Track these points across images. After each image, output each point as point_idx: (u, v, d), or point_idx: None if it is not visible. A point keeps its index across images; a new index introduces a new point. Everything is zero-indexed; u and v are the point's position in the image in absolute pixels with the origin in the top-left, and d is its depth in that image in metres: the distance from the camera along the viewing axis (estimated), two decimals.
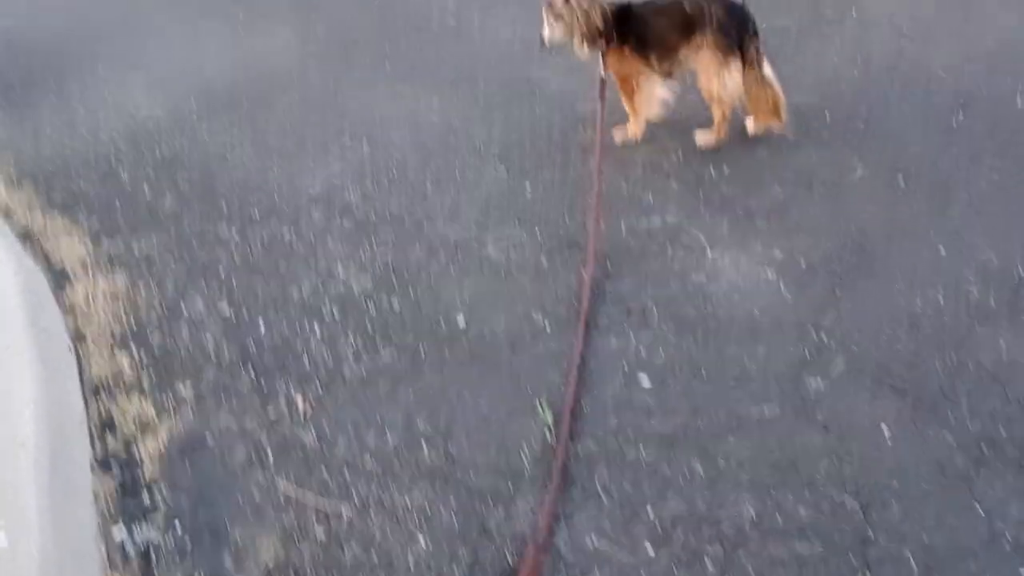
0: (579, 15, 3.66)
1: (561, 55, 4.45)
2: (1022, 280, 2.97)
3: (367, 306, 3.14)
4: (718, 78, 3.58)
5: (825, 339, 2.85)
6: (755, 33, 3.56)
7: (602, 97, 3.78)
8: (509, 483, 2.46)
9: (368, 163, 3.96)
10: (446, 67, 4.70)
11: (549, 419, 2.64)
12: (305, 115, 4.40)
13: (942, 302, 2.93)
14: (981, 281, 2.99)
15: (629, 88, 3.84)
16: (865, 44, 4.39)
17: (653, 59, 3.70)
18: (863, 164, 3.60)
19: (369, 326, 3.05)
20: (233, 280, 3.32)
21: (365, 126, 4.24)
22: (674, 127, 3.93)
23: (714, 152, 3.76)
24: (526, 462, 2.52)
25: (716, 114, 3.75)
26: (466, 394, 2.76)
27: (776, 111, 3.71)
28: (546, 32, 3.78)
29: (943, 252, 3.13)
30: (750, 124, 3.83)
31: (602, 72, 3.77)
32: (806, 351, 2.81)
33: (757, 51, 3.58)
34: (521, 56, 4.68)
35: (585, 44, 3.73)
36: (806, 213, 3.38)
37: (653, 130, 3.91)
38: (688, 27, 3.57)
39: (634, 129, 3.91)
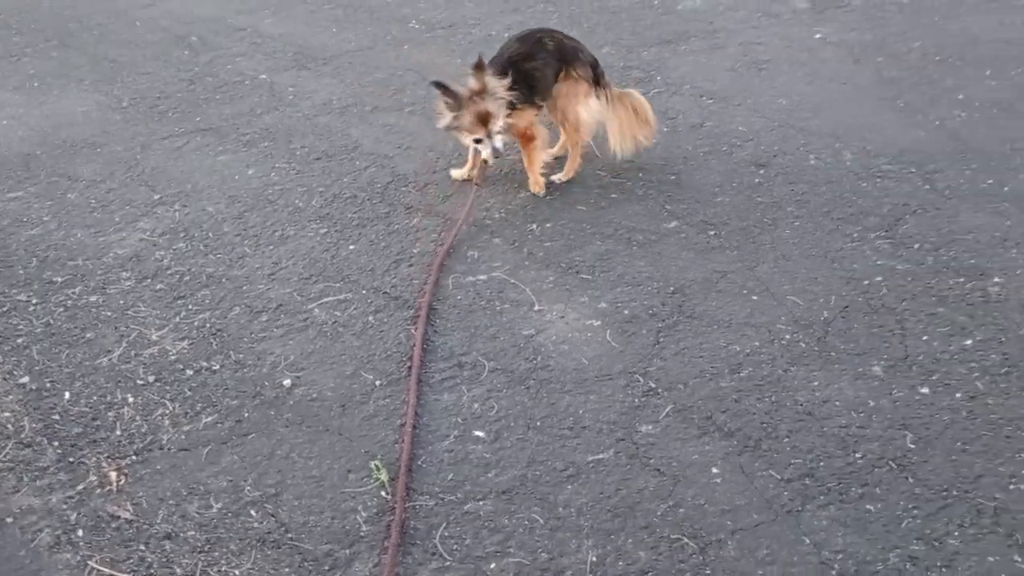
0: (476, 103, 3.60)
1: (380, 114, 4.44)
2: (828, 322, 3.15)
3: (184, 371, 2.96)
4: (585, 107, 3.78)
5: (653, 385, 2.91)
6: (595, 60, 3.84)
7: (481, 172, 3.89)
8: (345, 546, 2.34)
9: (181, 224, 3.78)
10: (260, 128, 4.58)
11: (384, 478, 2.55)
12: (111, 179, 4.17)
13: (759, 346, 3.06)
14: (792, 325, 3.15)
15: (529, 141, 3.89)
16: (672, 106, 4.62)
17: (539, 103, 3.81)
18: (676, 218, 3.75)
19: (187, 391, 2.87)
20: (33, 349, 3.06)
21: (176, 188, 4.06)
22: (495, 186, 3.97)
23: (534, 209, 3.82)
24: (362, 523, 2.42)
25: (575, 142, 3.92)
26: (295, 456, 2.63)
27: (645, 119, 3.94)
28: (441, 122, 3.72)
29: (755, 299, 3.28)
30: (559, 176, 3.98)
31: (498, 145, 3.69)
32: (635, 398, 2.86)
33: (603, 74, 3.85)
34: (338, 116, 4.64)
35: (480, 126, 3.64)
36: (627, 265, 3.47)
37: (475, 190, 3.94)
38: (559, 63, 3.74)
39: (538, 181, 3.94)
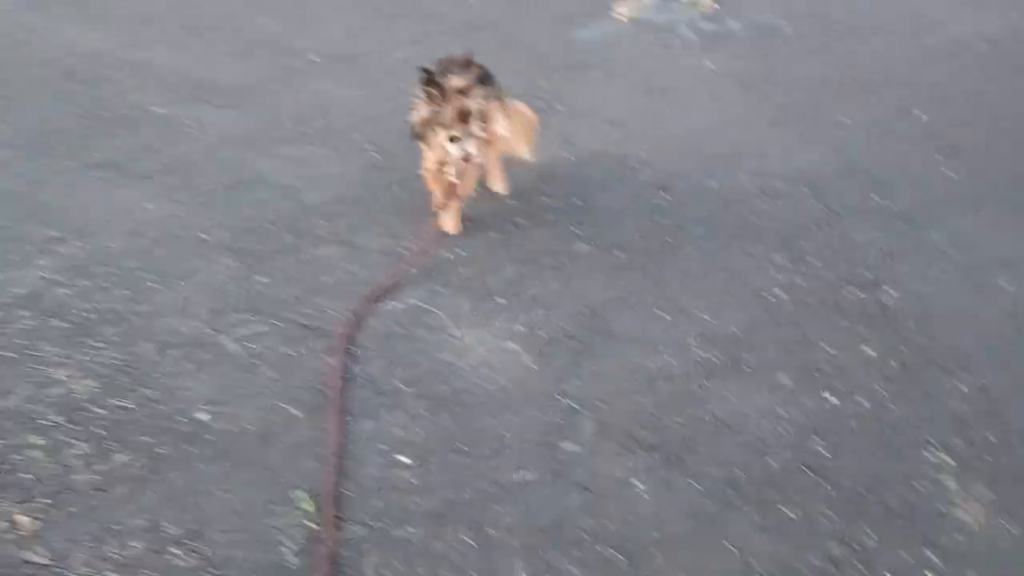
0: (460, 99, 3.50)
1: (283, 145, 4.41)
2: (737, 337, 3.26)
3: (94, 410, 2.86)
4: (502, 122, 3.78)
5: (573, 404, 2.95)
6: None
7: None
8: None
9: (82, 261, 3.65)
10: (159, 162, 4.48)
11: (310, 508, 2.52)
12: (3, 217, 4.00)
13: (673, 363, 3.14)
14: (703, 340, 3.24)
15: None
16: (574, 132, 4.72)
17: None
18: (585, 241, 3.82)
19: (99, 430, 2.78)
20: None
21: (74, 224, 3.92)
22: (404, 216, 3.98)
23: (445, 235, 3.84)
24: (290, 555, 2.38)
25: (496, 159, 3.99)
26: (216, 491, 2.57)
27: (529, 133, 4.03)
28: (416, 115, 3.60)
29: (667, 317, 3.37)
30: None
31: (471, 148, 3.56)
32: (557, 417, 2.90)
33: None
34: (240, 149, 4.57)
35: (461, 122, 3.52)
36: (540, 288, 3.52)
37: (383, 218, 3.94)
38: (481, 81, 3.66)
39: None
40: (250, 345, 3.19)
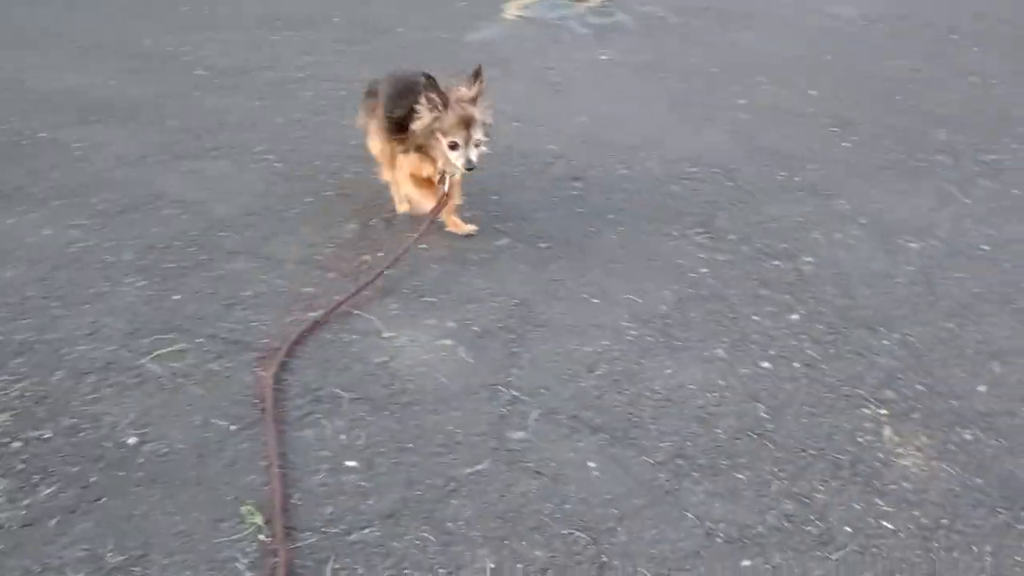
0: (464, 107, 3.46)
1: (182, 161, 4.27)
2: (667, 315, 3.29)
3: (11, 444, 2.68)
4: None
5: (516, 394, 2.92)
6: None
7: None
8: None
9: None
10: (49, 186, 4.26)
11: (259, 520, 2.41)
12: None
13: (608, 344, 3.15)
14: (634, 321, 3.26)
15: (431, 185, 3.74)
16: None
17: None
18: (506, 235, 3.81)
19: (18, 464, 2.60)
20: None
21: None
22: (316, 223, 3.89)
23: (362, 240, 3.76)
24: (244, 570, 2.27)
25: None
26: (157, 514, 2.44)
27: None
28: (418, 123, 3.51)
29: (596, 302, 3.38)
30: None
31: (473, 156, 3.50)
32: (502, 408, 2.86)
33: None
34: (136, 168, 4.40)
35: (463, 129, 3.46)
36: (468, 285, 3.48)
37: (294, 227, 3.84)
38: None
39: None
40: (173, 364, 3.05)
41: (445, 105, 3.45)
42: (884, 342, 3.13)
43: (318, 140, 4.68)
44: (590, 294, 3.42)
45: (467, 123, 3.45)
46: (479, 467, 2.63)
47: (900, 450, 2.69)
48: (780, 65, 5.39)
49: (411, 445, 2.71)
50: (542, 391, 2.93)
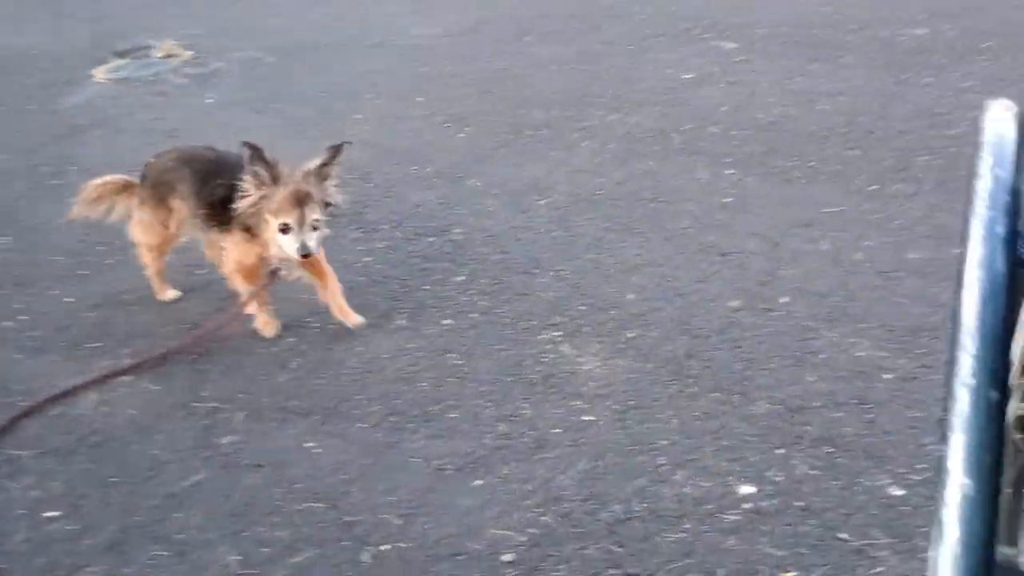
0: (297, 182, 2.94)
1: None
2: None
3: None
4: None
5: (215, 404, 2.86)
6: None
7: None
8: None
9: None
10: None
11: None
12: None
13: (295, 340, 3.18)
14: (316, 315, 3.30)
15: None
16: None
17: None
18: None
19: None
20: None
21: None
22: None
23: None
24: None
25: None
26: None
27: None
28: (243, 202, 2.95)
29: (275, 307, 3.38)
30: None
31: (310, 242, 2.96)
32: (201, 420, 2.79)
33: None
34: None
35: (294, 208, 2.92)
36: (129, 324, 3.33)
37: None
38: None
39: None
40: None
41: (275, 180, 2.95)
42: (541, 280, 3.43)
43: None
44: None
45: (300, 201, 2.92)
46: (196, 477, 2.55)
47: (580, 359, 2.98)
48: (384, 81, 5.67)
49: (116, 478, 2.56)
50: (240, 395, 2.89)
